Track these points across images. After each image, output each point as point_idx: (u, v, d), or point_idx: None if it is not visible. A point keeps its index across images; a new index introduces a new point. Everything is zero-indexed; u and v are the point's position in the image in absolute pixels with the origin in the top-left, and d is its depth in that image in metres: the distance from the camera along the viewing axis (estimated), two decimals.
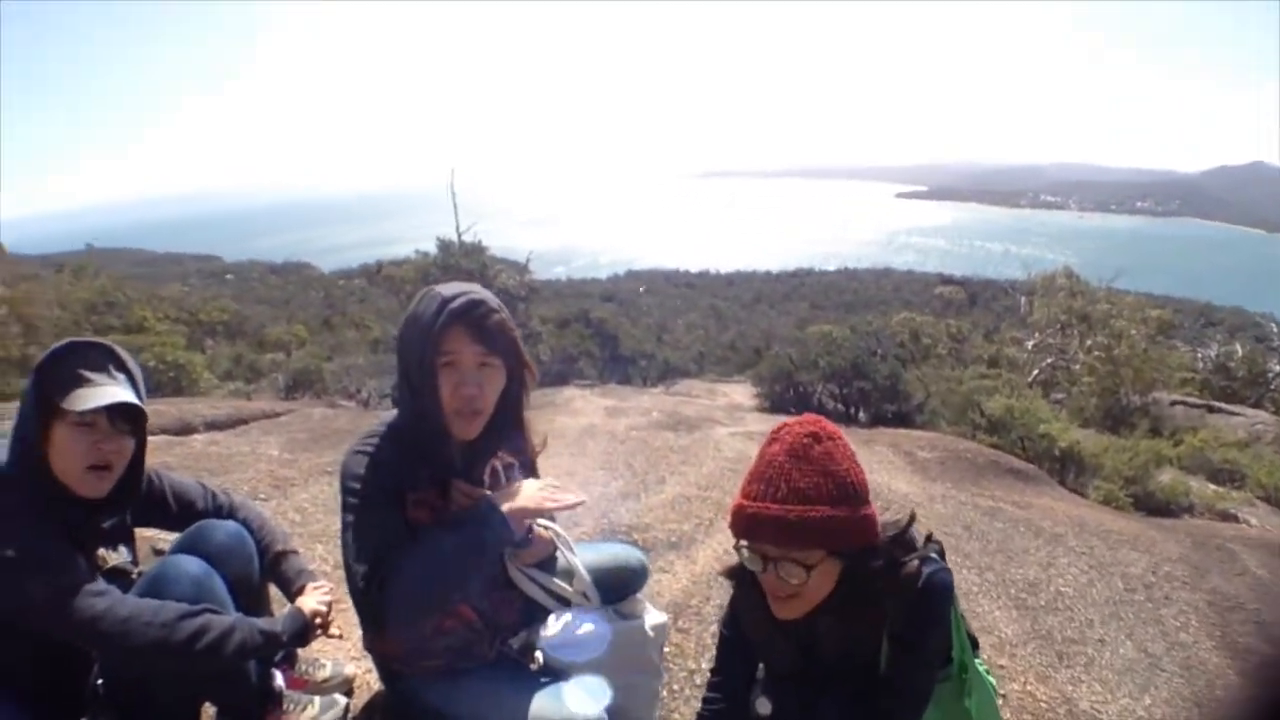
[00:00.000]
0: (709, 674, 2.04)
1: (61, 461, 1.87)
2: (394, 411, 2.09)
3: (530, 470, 2.23)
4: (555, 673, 2.17)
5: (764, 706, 1.87)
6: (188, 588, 1.91)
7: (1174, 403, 20.57)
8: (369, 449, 1.95)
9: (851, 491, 1.63)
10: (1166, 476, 11.53)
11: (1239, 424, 18.55)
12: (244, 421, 7.46)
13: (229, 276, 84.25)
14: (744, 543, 1.70)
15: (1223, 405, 20.88)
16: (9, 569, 1.72)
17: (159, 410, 7.81)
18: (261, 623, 1.96)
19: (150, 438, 5.93)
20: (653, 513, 4.59)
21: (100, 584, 1.81)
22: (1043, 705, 2.78)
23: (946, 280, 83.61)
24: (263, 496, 4.57)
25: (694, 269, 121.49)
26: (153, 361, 13.74)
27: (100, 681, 2.01)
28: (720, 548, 3.98)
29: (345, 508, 1.95)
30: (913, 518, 1.80)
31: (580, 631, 2.11)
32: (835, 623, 1.75)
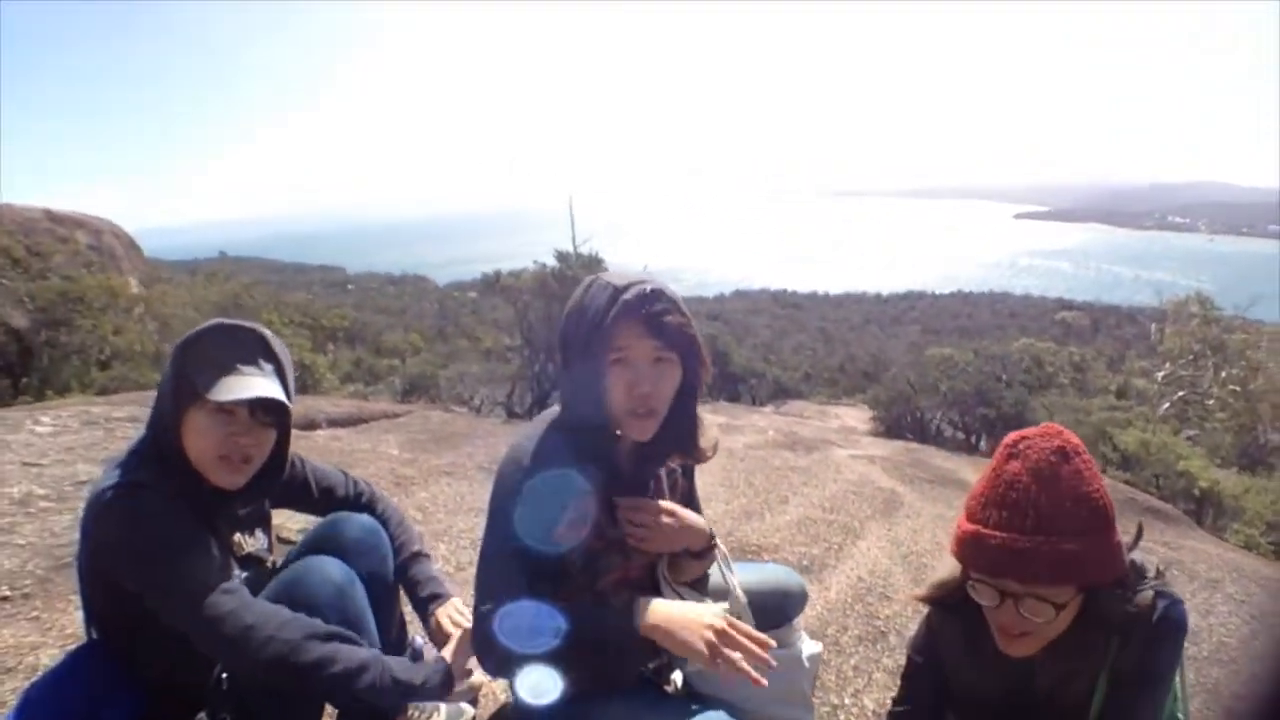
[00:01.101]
0: (892, 704, 1.85)
1: (195, 448, 1.77)
2: (554, 410, 1.91)
3: (691, 478, 2.12)
4: (697, 698, 2.08)
5: None
6: (330, 595, 1.84)
7: None
8: (530, 450, 1.78)
9: (1105, 517, 1.43)
10: None
11: None
12: (364, 420, 7.64)
13: (350, 286, 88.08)
14: (980, 576, 1.49)
15: None
16: (140, 557, 1.66)
17: None
18: (397, 667, 1.80)
19: None
20: (779, 533, 4.49)
21: (233, 583, 1.71)
22: None
23: (1067, 305, 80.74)
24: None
25: (802, 290, 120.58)
26: None
27: (224, 675, 1.89)
28: (853, 574, 3.85)
29: (491, 513, 1.78)
30: (1140, 534, 1.63)
31: None
32: (1055, 658, 1.55)
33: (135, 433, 4.96)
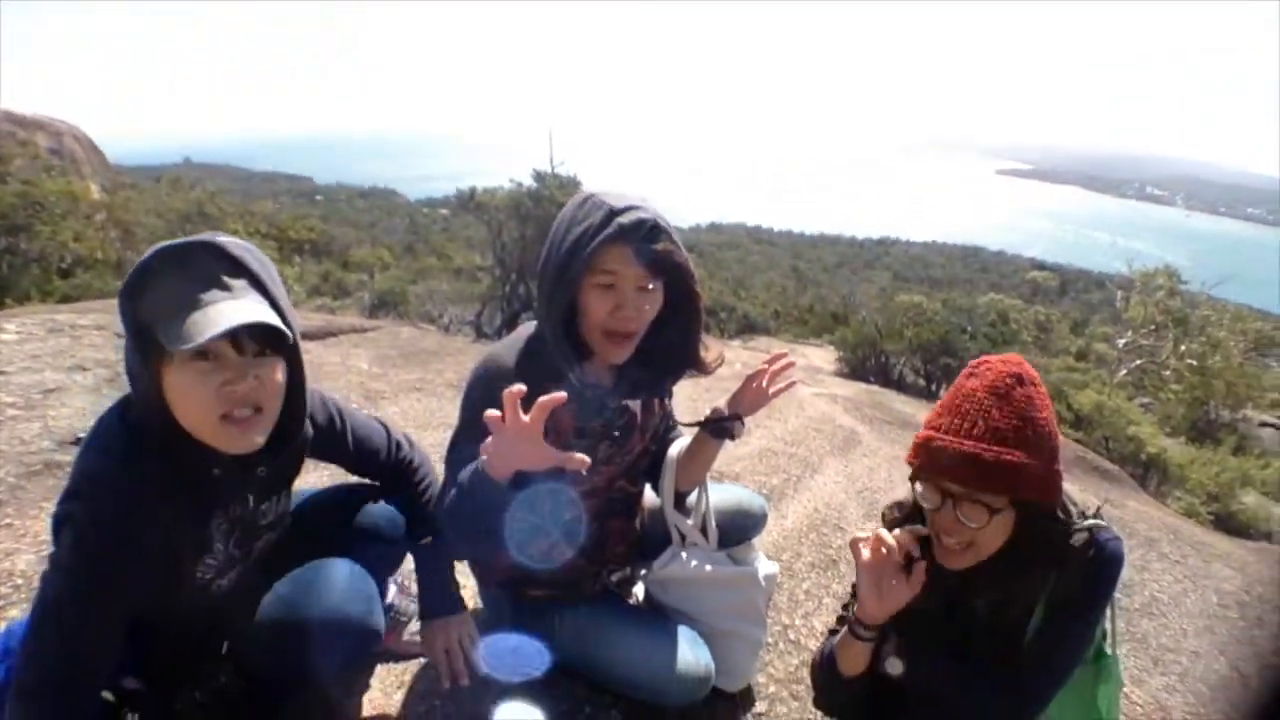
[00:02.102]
0: (840, 610, 1.89)
1: (188, 416, 1.41)
2: (533, 324, 1.89)
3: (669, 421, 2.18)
4: (658, 610, 2.18)
5: (895, 666, 1.72)
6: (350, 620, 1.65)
7: (1263, 424, 19.89)
8: (496, 361, 1.80)
9: (1048, 443, 1.54)
10: (1250, 498, 11.21)
11: None
12: (333, 334, 7.53)
13: (318, 198, 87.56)
14: (924, 477, 1.59)
15: None
16: (61, 566, 1.37)
17: None
18: None
19: None
20: (740, 463, 4.59)
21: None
22: (1138, 709, 2.75)
23: (1039, 265, 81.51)
24: (353, 407, 4.72)
25: (778, 227, 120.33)
26: None
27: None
28: (810, 505, 3.98)
29: (464, 420, 1.78)
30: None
31: (688, 573, 2.11)
32: (993, 580, 1.64)
33: (102, 340, 4.89)
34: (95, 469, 1.41)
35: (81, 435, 3.17)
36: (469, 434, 1.67)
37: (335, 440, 1.84)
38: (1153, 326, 21.69)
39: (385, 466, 1.98)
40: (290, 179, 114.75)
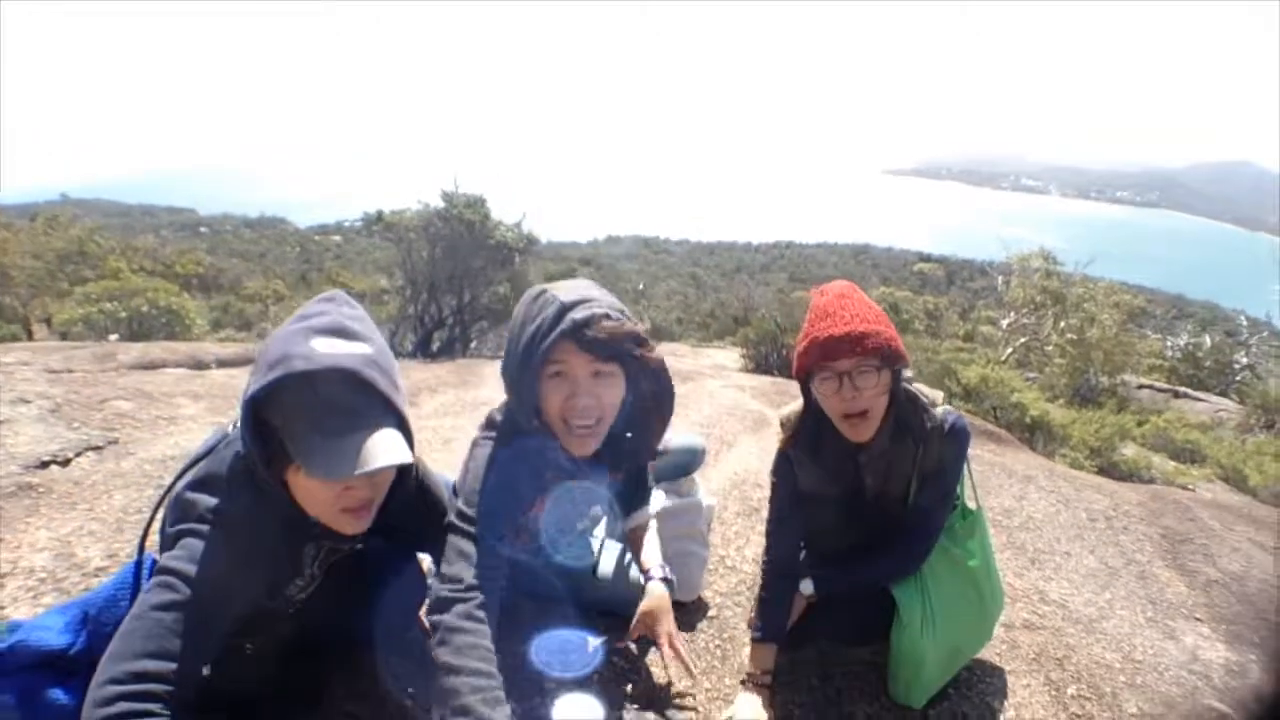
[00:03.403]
0: (766, 525, 2.37)
1: (307, 505, 1.58)
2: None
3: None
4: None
5: (807, 588, 2.25)
6: None
7: (1141, 386, 21.17)
8: (490, 461, 1.84)
9: (887, 319, 2.04)
10: (1130, 450, 12.02)
11: (1203, 409, 19.16)
12: (251, 361, 7.60)
13: (203, 229, 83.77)
14: (818, 370, 2.04)
15: (1188, 391, 21.54)
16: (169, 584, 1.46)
17: (171, 348, 8.01)
18: None
19: (170, 370, 6.17)
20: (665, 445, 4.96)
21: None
22: (1019, 592, 3.23)
23: (925, 258, 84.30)
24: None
25: (674, 237, 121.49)
26: (145, 306, 14.05)
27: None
28: (730, 471, 4.35)
29: (454, 523, 1.79)
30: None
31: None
32: (878, 459, 2.13)
33: (33, 375, 4.89)
34: (223, 508, 1.54)
35: (45, 459, 3.43)
36: (491, 525, 1.75)
37: (411, 508, 1.87)
38: (1033, 306, 22.83)
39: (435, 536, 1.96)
40: (172, 211, 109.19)
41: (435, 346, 14.14)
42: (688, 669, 2.15)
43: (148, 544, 1.77)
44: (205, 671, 1.53)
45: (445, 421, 5.33)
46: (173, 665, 1.38)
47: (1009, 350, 21.67)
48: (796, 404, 2.26)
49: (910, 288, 40.82)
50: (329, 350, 1.48)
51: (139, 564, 1.75)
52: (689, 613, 2.69)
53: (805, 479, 2.25)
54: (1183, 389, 21.92)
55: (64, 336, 13.15)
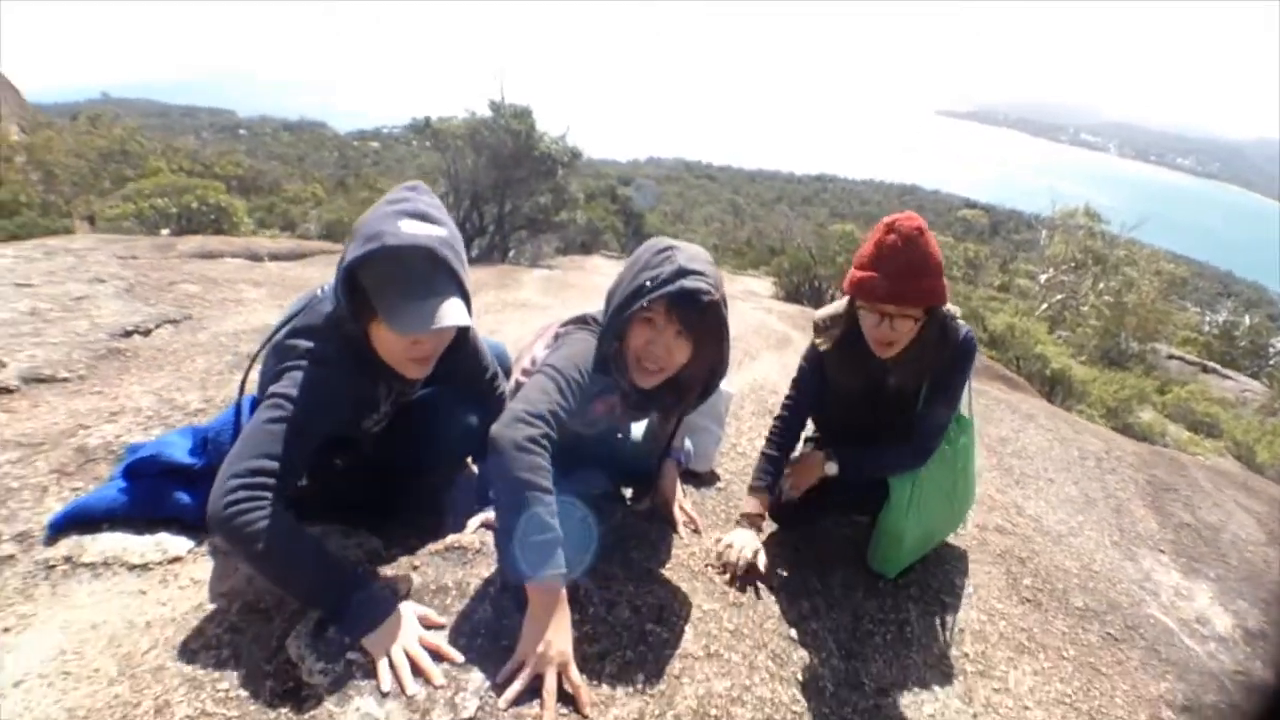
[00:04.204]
0: (784, 399, 2.72)
1: (382, 348, 1.92)
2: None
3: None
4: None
5: (832, 468, 2.55)
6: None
7: (1171, 357, 21.17)
8: (570, 356, 2.06)
9: (940, 268, 2.27)
10: (1147, 415, 12.22)
11: (1230, 387, 19.23)
12: (305, 255, 7.94)
13: (242, 131, 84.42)
14: (868, 304, 2.29)
15: (1218, 368, 21.52)
16: (281, 411, 1.79)
17: (228, 240, 8.41)
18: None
19: (229, 260, 6.56)
20: None
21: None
22: (998, 503, 3.58)
23: (971, 204, 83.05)
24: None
25: (717, 161, 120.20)
26: (195, 203, 14.46)
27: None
28: (751, 379, 4.68)
29: (546, 368, 2.02)
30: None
31: None
32: (904, 365, 2.42)
33: (105, 258, 5.21)
34: (318, 350, 1.88)
35: (128, 329, 3.78)
36: (570, 392, 1.96)
37: (464, 366, 2.23)
38: (1073, 264, 22.67)
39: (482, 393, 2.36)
40: (212, 112, 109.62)
41: (474, 253, 14.46)
42: (695, 527, 2.54)
43: (247, 386, 2.16)
44: (303, 481, 1.91)
45: (487, 318, 5.72)
46: (278, 464, 1.72)
47: (1044, 306, 21.43)
48: (834, 305, 2.56)
49: (954, 233, 40.39)
50: (413, 230, 1.79)
51: (239, 404, 2.17)
52: (703, 481, 3.04)
53: (832, 371, 2.57)
54: (1212, 364, 21.89)
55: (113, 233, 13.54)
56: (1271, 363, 26.29)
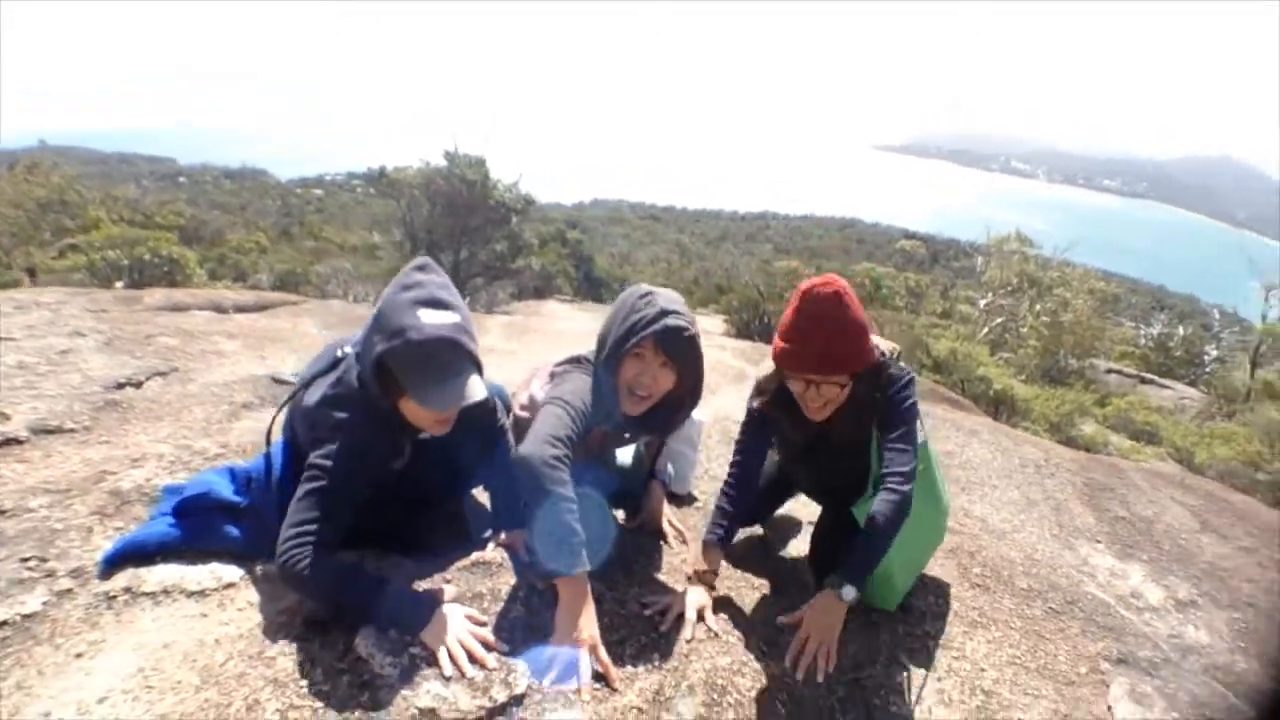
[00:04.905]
0: (736, 445, 2.80)
1: (412, 416, 2.21)
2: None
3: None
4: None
5: (849, 594, 2.32)
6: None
7: (1110, 371, 21.88)
8: (573, 391, 2.42)
9: (865, 333, 2.35)
10: (1089, 428, 12.71)
11: (1168, 396, 19.90)
12: (268, 307, 7.93)
13: (182, 180, 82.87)
14: (793, 374, 2.40)
15: (1155, 378, 22.24)
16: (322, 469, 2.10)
17: (192, 293, 8.32)
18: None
19: (199, 312, 6.68)
20: None
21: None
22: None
23: (910, 235, 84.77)
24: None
25: (660, 202, 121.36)
26: (148, 255, 14.39)
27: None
28: (715, 412, 4.91)
29: (558, 401, 2.36)
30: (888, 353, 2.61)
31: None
32: (843, 421, 2.50)
33: (79, 311, 5.33)
34: (352, 422, 2.16)
35: (120, 381, 3.88)
36: (579, 421, 2.32)
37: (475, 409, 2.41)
38: (1010, 288, 23.48)
39: (488, 426, 2.64)
40: (151, 160, 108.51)
41: None
42: (681, 537, 2.92)
43: (273, 435, 2.49)
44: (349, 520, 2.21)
45: None
46: (321, 524, 2.06)
47: (985, 330, 22.19)
48: (770, 368, 2.63)
49: (894, 264, 41.39)
50: (433, 321, 2.08)
51: (268, 455, 2.47)
52: (682, 502, 3.39)
53: (775, 428, 2.72)
54: (1150, 376, 22.59)
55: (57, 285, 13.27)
56: (1208, 370, 27.27)
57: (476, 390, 2.12)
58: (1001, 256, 24.24)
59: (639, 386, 2.44)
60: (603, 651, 2.07)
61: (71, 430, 3.21)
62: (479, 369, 2.18)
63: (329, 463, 2.10)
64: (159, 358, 4.43)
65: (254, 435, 3.33)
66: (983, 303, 24.13)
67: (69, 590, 2.20)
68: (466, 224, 14.30)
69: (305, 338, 6.09)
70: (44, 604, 2.14)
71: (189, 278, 14.93)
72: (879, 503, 2.38)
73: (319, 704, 1.87)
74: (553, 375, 2.64)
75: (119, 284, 12.99)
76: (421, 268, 2.22)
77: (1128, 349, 27.08)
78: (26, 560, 2.27)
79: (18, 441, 3.02)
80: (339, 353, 2.37)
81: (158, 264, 14.56)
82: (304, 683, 1.93)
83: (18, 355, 3.98)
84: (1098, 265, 32.55)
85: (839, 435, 2.58)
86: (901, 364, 2.56)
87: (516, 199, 14.39)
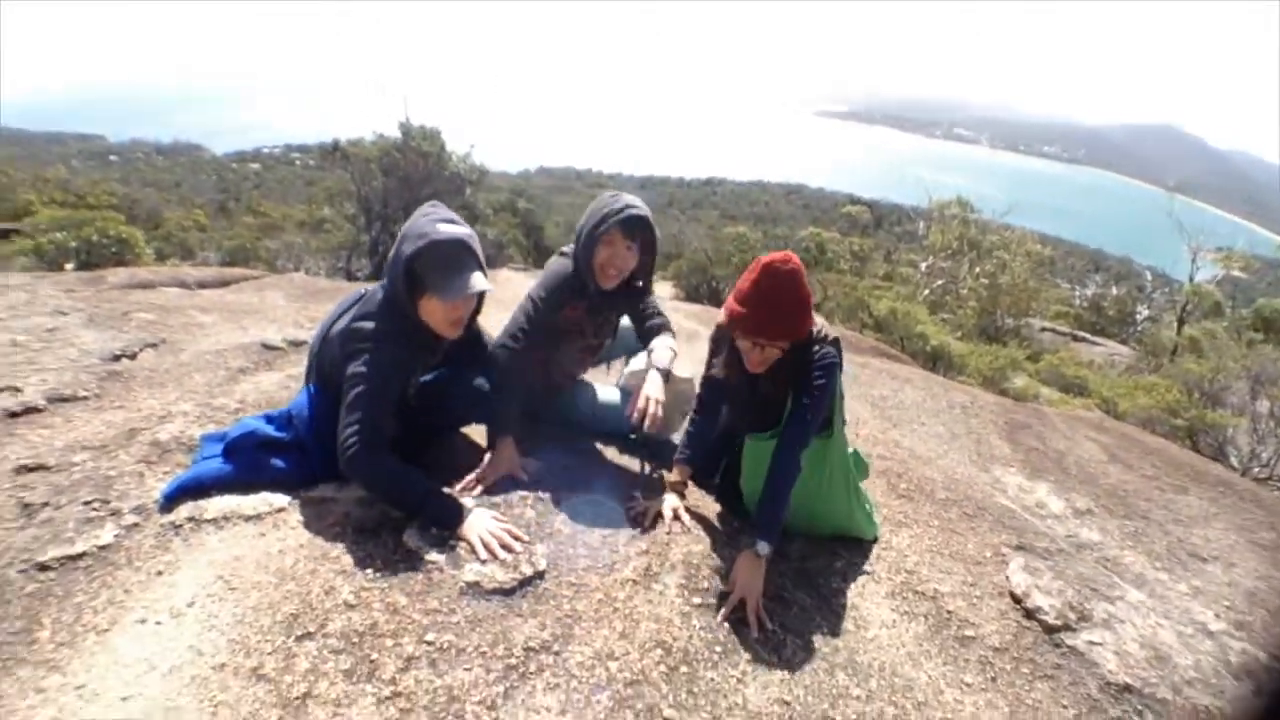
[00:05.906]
0: (694, 407, 3.20)
1: (429, 318, 2.67)
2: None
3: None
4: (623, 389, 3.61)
5: (764, 549, 2.63)
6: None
7: (1043, 329, 22.68)
8: (544, 281, 3.12)
9: (808, 306, 2.65)
10: (1021, 381, 13.33)
11: (1099, 353, 20.69)
12: (229, 282, 7.88)
13: (113, 158, 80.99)
14: (741, 335, 2.70)
15: (1087, 336, 23.22)
16: (359, 378, 2.52)
17: (154, 270, 8.50)
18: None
19: (166, 289, 6.73)
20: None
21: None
22: (879, 441, 4.38)
23: (854, 201, 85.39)
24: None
25: (607, 170, 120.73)
26: (95, 236, 14.21)
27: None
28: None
29: (533, 300, 3.07)
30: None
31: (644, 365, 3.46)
32: (770, 379, 2.82)
33: (53, 291, 5.57)
34: (381, 328, 2.61)
35: (115, 353, 4.07)
36: (551, 299, 3.08)
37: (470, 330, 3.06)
38: (950, 251, 24.03)
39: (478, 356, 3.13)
40: (81, 139, 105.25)
41: None
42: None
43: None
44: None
45: None
46: (376, 422, 2.53)
47: (926, 292, 22.67)
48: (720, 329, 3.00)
49: (839, 229, 41.95)
50: (449, 230, 2.62)
51: (308, 389, 2.87)
52: (664, 448, 3.60)
53: (720, 370, 3.02)
54: (1082, 334, 23.55)
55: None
56: (1139, 328, 28.39)
57: (483, 282, 2.62)
58: (943, 221, 24.72)
59: (610, 265, 3.04)
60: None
61: (84, 398, 3.44)
62: (484, 271, 2.67)
63: (365, 369, 2.54)
64: (144, 331, 4.58)
65: (258, 395, 3.59)
66: (924, 265, 24.66)
67: (136, 524, 2.51)
68: (420, 195, 14.37)
69: (277, 309, 6.06)
70: (115, 536, 2.44)
71: (139, 257, 14.67)
72: (770, 469, 2.71)
73: (385, 584, 2.33)
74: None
75: (69, 266, 12.83)
76: (434, 205, 2.77)
77: (1063, 309, 27.98)
78: (89, 503, 2.57)
79: (37, 410, 3.25)
80: (364, 290, 2.86)
81: (106, 245, 14.23)
82: (368, 570, 2.38)
83: (8, 334, 4.15)
84: (1038, 229, 33.33)
85: (765, 384, 2.86)
86: (831, 349, 2.78)
87: (471, 169, 14.59)
